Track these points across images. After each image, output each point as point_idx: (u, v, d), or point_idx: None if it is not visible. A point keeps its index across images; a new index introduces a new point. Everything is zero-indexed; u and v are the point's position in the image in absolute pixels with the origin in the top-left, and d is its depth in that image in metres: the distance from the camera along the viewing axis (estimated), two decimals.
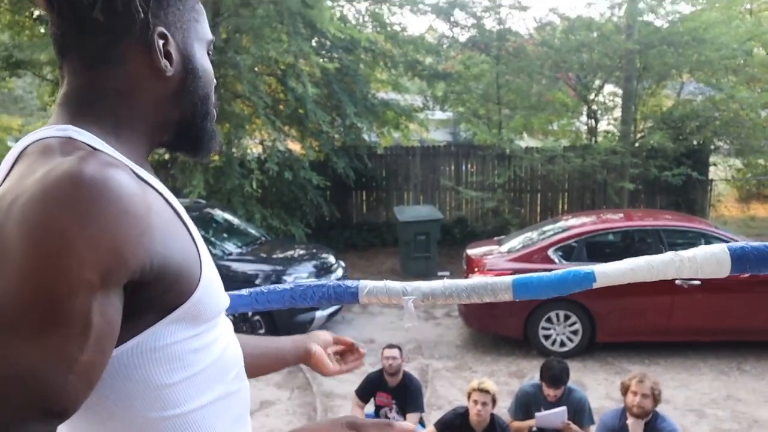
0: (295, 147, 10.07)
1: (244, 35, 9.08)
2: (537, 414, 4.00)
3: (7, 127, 14.07)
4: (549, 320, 6.19)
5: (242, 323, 6.16)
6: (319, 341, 1.32)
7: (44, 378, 0.66)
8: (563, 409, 3.95)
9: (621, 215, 7.59)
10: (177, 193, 8.83)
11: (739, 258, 1.26)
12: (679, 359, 6.09)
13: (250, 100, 8.46)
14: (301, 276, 6.64)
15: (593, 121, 11.49)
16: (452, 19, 11.48)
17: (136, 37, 0.83)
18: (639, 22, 10.32)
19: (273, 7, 8.61)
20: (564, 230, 6.64)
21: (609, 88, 11.71)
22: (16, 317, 0.66)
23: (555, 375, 4.07)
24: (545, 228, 7.09)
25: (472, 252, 6.95)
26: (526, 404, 4.18)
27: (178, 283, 0.79)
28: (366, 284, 1.47)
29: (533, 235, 6.94)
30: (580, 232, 6.53)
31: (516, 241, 6.91)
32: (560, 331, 6.21)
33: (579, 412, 4.05)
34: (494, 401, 3.91)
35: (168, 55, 0.86)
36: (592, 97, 11.38)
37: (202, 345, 0.84)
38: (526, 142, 12.32)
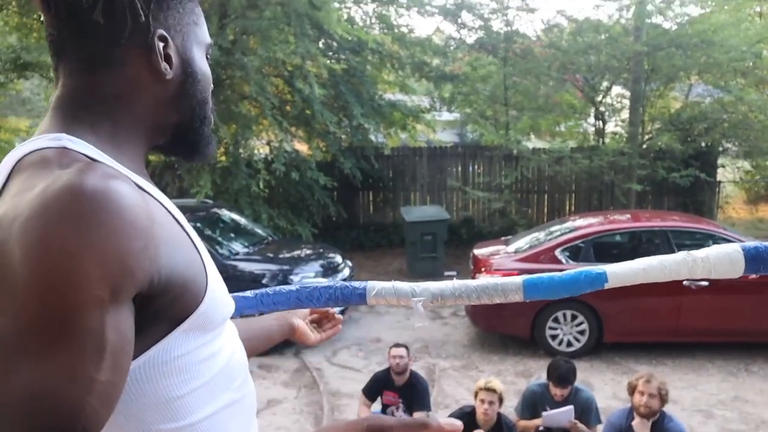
0: (302, 148, 10.08)
1: (251, 37, 9.10)
2: (544, 413, 4.00)
3: (15, 128, 14.11)
4: (556, 320, 6.18)
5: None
6: (299, 315, 1.41)
7: (60, 401, 0.63)
8: (570, 408, 3.94)
9: (628, 216, 7.57)
10: (184, 194, 8.91)
11: (753, 258, 1.25)
12: (687, 360, 6.06)
13: (258, 101, 8.48)
14: (308, 276, 6.65)
15: (601, 122, 11.47)
16: (459, 20, 11.47)
17: (136, 39, 0.82)
18: (647, 24, 10.29)
19: (280, 9, 8.63)
20: (571, 231, 6.63)
21: (617, 89, 11.69)
22: (26, 339, 0.63)
23: (562, 374, 4.07)
24: (552, 228, 7.08)
25: (479, 252, 6.95)
26: (533, 404, 4.18)
27: (186, 293, 0.78)
28: (374, 285, 1.45)
29: (540, 235, 6.93)
30: (587, 232, 6.52)
31: (523, 242, 6.90)
32: (567, 331, 6.20)
33: (586, 411, 4.04)
34: (501, 400, 3.91)
35: (168, 58, 0.85)
36: (599, 98, 11.35)
37: (210, 354, 0.84)
38: (533, 143, 12.29)
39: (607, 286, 1.34)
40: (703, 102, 11.18)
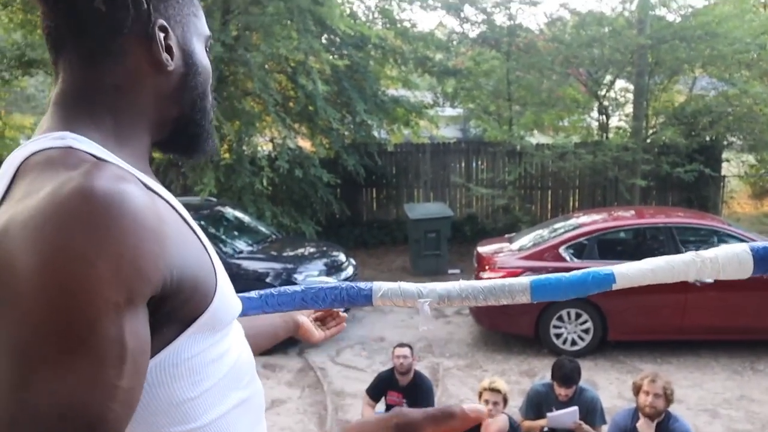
0: (306, 144, 10.07)
1: (254, 33, 9.08)
2: (548, 414, 3.99)
3: (20, 125, 14.14)
4: (560, 319, 6.17)
5: None
6: (304, 312, 1.42)
7: (85, 410, 0.63)
8: (575, 409, 3.93)
9: (632, 212, 7.55)
10: (188, 191, 8.90)
11: (762, 258, 1.24)
12: (692, 358, 6.05)
13: (261, 98, 8.47)
14: (311, 274, 6.65)
15: (604, 117, 11.42)
16: (462, 15, 11.44)
17: (137, 29, 0.80)
18: (651, 16, 10.23)
19: (283, 5, 8.60)
20: (575, 228, 6.61)
21: (620, 83, 11.64)
22: (45, 350, 0.62)
23: (566, 374, 4.05)
24: (556, 225, 7.06)
25: (482, 250, 6.93)
26: (538, 404, 4.17)
27: (196, 293, 0.77)
28: (380, 286, 1.44)
29: (544, 232, 6.92)
30: (591, 229, 6.50)
31: (527, 239, 6.89)
32: (571, 330, 6.19)
33: (591, 411, 4.03)
34: (505, 400, 3.91)
35: (168, 49, 0.84)
36: (603, 92, 11.31)
37: (219, 354, 0.83)
38: (536, 138, 12.25)
39: (615, 287, 1.33)
40: (707, 95, 11.13)
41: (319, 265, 6.98)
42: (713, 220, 6.95)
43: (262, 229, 7.98)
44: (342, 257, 7.32)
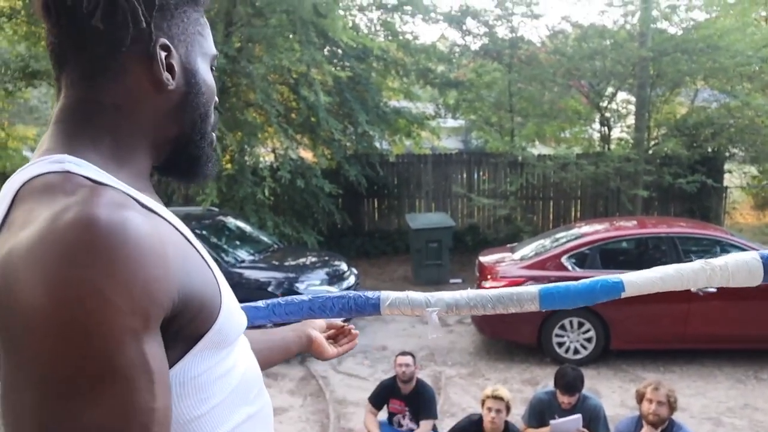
0: (308, 155, 10.10)
1: (256, 44, 9.13)
2: (552, 422, 3.97)
3: (23, 136, 14.19)
4: (563, 327, 6.15)
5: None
6: (316, 327, 1.39)
7: None
8: (578, 417, 3.91)
9: (634, 223, 7.54)
10: (190, 201, 8.88)
11: None
12: (695, 367, 6.02)
13: (263, 109, 8.50)
14: (313, 283, 6.64)
15: (606, 128, 11.44)
16: (464, 27, 11.49)
17: (138, 48, 0.80)
18: (652, 29, 10.28)
19: (286, 17, 8.66)
20: (577, 238, 6.60)
21: (622, 95, 11.66)
22: (74, 383, 0.62)
23: (569, 382, 4.04)
24: (558, 235, 7.05)
25: (484, 259, 6.93)
26: (540, 411, 4.15)
27: (201, 312, 0.77)
28: (388, 295, 1.44)
29: (546, 242, 6.91)
30: (593, 239, 6.49)
31: (529, 249, 6.88)
32: (574, 339, 6.16)
33: (594, 419, 4.01)
34: (508, 408, 3.89)
35: (170, 68, 0.83)
36: (605, 104, 11.34)
37: (225, 370, 0.83)
38: (538, 149, 12.28)
39: (623, 295, 1.33)
40: (709, 107, 11.14)
41: (321, 274, 6.98)
42: (716, 231, 6.95)
43: (264, 238, 7.99)
44: (344, 267, 7.32)
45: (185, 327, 0.75)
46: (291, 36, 8.97)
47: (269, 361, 1.23)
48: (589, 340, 6.14)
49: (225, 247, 7.29)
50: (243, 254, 7.30)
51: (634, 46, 10.22)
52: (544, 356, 6.22)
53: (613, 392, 5.52)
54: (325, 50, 9.75)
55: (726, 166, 11.17)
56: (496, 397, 3.84)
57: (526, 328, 6.21)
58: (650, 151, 10.58)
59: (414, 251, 9.20)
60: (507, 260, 6.79)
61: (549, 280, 5.62)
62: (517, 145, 10.75)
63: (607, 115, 11.35)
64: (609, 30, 10.79)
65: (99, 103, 0.81)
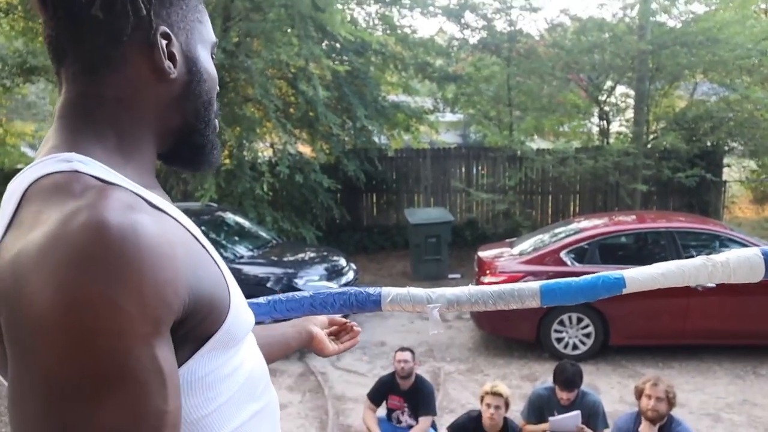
0: (306, 150, 10.07)
1: (255, 39, 9.09)
2: (551, 418, 3.97)
3: (21, 132, 14.19)
4: (561, 323, 6.15)
5: None
6: (317, 323, 1.39)
7: None
8: (577, 413, 3.91)
9: (634, 217, 7.54)
10: (188, 197, 8.89)
11: None
12: (694, 362, 6.03)
13: (261, 104, 8.48)
14: (312, 279, 6.64)
15: (605, 122, 11.42)
16: (463, 21, 11.45)
17: (138, 36, 0.78)
18: (652, 22, 10.24)
19: (284, 11, 8.63)
20: (576, 232, 6.59)
21: (621, 89, 11.64)
22: (87, 389, 0.62)
23: (568, 378, 4.04)
24: (557, 230, 7.05)
25: (483, 254, 6.92)
26: (539, 407, 4.15)
27: (211, 313, 0.76)
28: (389, 292, 1.44)
29: (545, 237, 6.90)
30: (592, 234, 6.48)
31: (527, 244, 6.87)
32: (573, 334, 6.16)
33: (593, 415, 4.02)
34: (507, 404, 3.89)
35: (171, 57, 0.81)
36: (603, 98, 11.31)
37: (233, 369, 0.83)
38: (537, 143, 12.26)
39: (625, 291, 1.33)
40: (708, 100, 11.11)
41: (320, 269, 6.98)
42: (715, 225, 6.94)
43: (263, 234, 7.98)
44: (342, 262, 7.32)
45: (195, 328, 0.75)
46: (289, 30, 8.94)
47: (269, 357, 1.23)
48: (588, 335, 6.14)
49: (224, 242, 7.28)
50: (242, 250, 7.30)
51: (633, 39, 10.19)
52: (543, 352, 6.22)
53: (612, 388, 5.52)
54: (324, 44, 9.72)
55: (725, 160, 11.17)
56: (495, 393, 3.84)
57: (525, 324, 6.22)
58: (649, 145, 10.57)
59: (413, 246, 9.19)
60: (506, 255, 6.79)
61: (548, 275, 5.61)
62: (515, 140, 10.73)
63: (606, 108, 11.32)
64: (608, 23, 10.75)
65: (101, 97, 0.79)
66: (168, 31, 0.81)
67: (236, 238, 7.67)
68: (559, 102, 11.31)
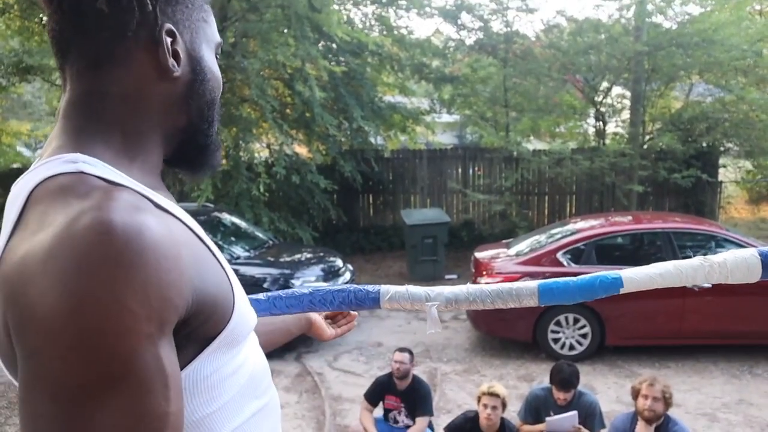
0: (303, 151, 10.08)
1: (251, 39, 9.10)
2: (548, 419, 3.97)
3: (17, 131, 14.14)
4: (558, 323, 6.15)
5: None
6: None
7: None
8: (574, 413, 3.92)
9: (630, 218, 7.55)
10: (185, 198, 8.88)
11: None
12: (690, 362, 6.04)
13: (258, 104, 8.47)
14: (308, 279, 6.63)
15: (601, 123, 11.44)
16: (459, 22, 11.46)
17: (143, 33, 0.78)
18: (647, 23, 10.27)
19: (280, 12, 8.63)
20: (572, 233, 6.60)
21: (617, 90, 11.66)
22: (92, 390, 0.62)
23: (565, 378, 4.04)
24: (553, 231, 7.05)
25: (480, 255, 6.92)
26: (536, 408, 4.15)
27: (215, 314, 0.77)
28: (388, 289, 1.44)
29: (541, 238, 6.91)
30: (588, 235, 6.49)
31: (524, 245, 6.88)
32: (569, 335, 6.17)
33: (590, 416, 4.02)
34: (504, 405, 3.89)
35: (175, 55, 0.81)
36: (600, 99, 11.33)
37: (236, 368, 0.83)
38: (533, 144, 12.27)
39: (622, 291, 1.33)
40: (704, 101, 11.15)
41: (317, 270, 6.97)
42: (711, 226, 6.95)
43: (259, 234, 7.97)
44: (339, 263, 7.31)
45: (198, 328, 0.75)
46: (286, 31, 8.94)
47: (271, 343, 1.27)
48: (584, 336, 6.15)
49: (220, 243, 7.26)
50: (238, 250, 7.29)
51: (629, 40, 10.21)
52: (539, 352, 6.23)
53: (609, 388, 5.53)
54: (320, 45, 9.72)
55: (721, 161, 11.18)
56: (492, 394, 3.84)
57: (521, 325, 6.22)
58: (645, 146, 10.59)
59: (409, 247, 9.19)
60: (502, 256, 6.79)
61: (544, 275, 5.62)
62: (512, 140, 10.75)
63: (602, 109, 11.34)
64: (604, 24, 10.78)
65: (105, 94, 0.79)
66: (173, 28, 0.81)
67: (233, 239, 7.66)
68: (556, 103, 11.32)
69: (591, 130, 12.09)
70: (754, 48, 9.81)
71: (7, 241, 0.70)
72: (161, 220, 0.70)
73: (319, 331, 1.40)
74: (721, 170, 11.28)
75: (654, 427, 3.65)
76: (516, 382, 5.67)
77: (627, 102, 11.29)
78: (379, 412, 4.55)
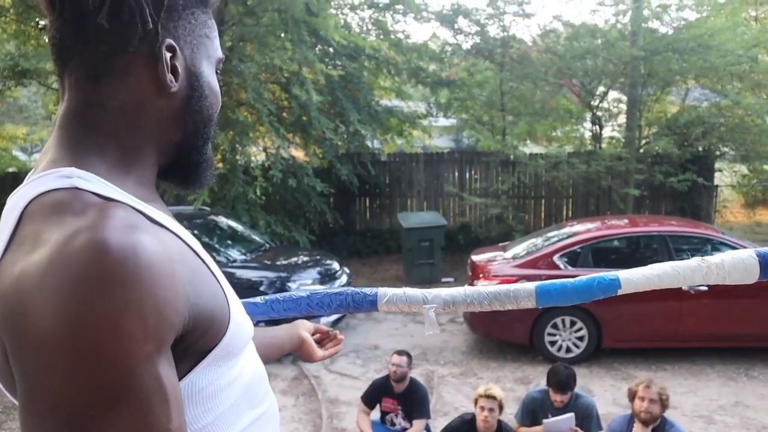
0: (299, 154, 10.08)
1: (248, 43, 9.10)
2: (545, 421, 3.97)
3: (12, 136, 14.11)
4: (555, 326, 6.16)
5: None
6: (306, 329, 1.41)
7: None
8: (571, 415, 3.91)
9: (626, 221, 7.56)
10: (181, 201, 8.85)
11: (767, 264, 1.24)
12: (686, 365, 6.04)
13: (255, 108, 8.47)
14: (305, 282, 6.63)
15: (598, 127, 11.48)
16: (456, 26, 11.50)
17: (143, 48, 0.78)
18: (644, 28, 10.32)
19: (278, 16, 8.64)
20: (569, 236, 6.61)
21: (613, 94, 11.70)
22: (92, 410, 0.63)
23: (562, 380, 4.04)
24: (550, 234, 7.06)
25: (477, 258, 6.93)
26: (533, 410, 4.15)
27: (211, 328, 0.76)
28: (385, 292, 1.44)
29: (538, 241, 6.92)
30: (585, 238, 6.50)
31: (521, 248, 6.89)
32: (566, 337, 6.17)
33: (587, 418, 4.02)
34: (501, 407, 3.88)
35: (174, 70, 0.80)
36: (596, 103, 11.37)
37: (233, 378, 0.83)
38: (530, 148, 12.30)
39: (620, 292, 1.33)
40: (700, 106, 11.21)
41: (313, 273, 6.97)
42: (707, 229, 6.97)
43: (256, 238, 7.96)
44: (336, 266, 7.31)
45: (195, 343, 0.75)
46: (283, 35, 8.95)
47: (266, 358, 1.25)
48: (581, 338, 6.15)
49: (217, 246, 7.26)
50: (235, 254, 7.28)
51: (625, 45, 10.26)
52: (536, 355, 6.23)
53: (606, 390, 5.53)
54: (317, 49, 9.73)
55: (716, 165, 11.23)
56: (489, 396, 3.84)
57: (518, 327, 6.22)
58: (641, 150, 10.63)
59: (406, 250, 9.19)
60: (499, 259, 6.80)
61: (541, 278, 5.61)
62: (508, 144, 10.76)
63: (599, 113, 11.38)
64: (600, 29, 10.83)
65: (103, 106, 0.78)
66: (173, 44, 0.80)
67: (229, 242, 7.65)
68: (552, 107, 11.36)
69: (587, 134, 12.13)
70: (749, 53, 9.87)
71: (1, 257, 0.70)
72: (156, 238, 0.70)
73: (309, 349, 1.38)
74: (716, 174, 11.33)
75: (651, 429, 3.66)
76: (513, 385, 5.67)
77: (623, 106, 11.33)
78: (376, 414, 4.54)
